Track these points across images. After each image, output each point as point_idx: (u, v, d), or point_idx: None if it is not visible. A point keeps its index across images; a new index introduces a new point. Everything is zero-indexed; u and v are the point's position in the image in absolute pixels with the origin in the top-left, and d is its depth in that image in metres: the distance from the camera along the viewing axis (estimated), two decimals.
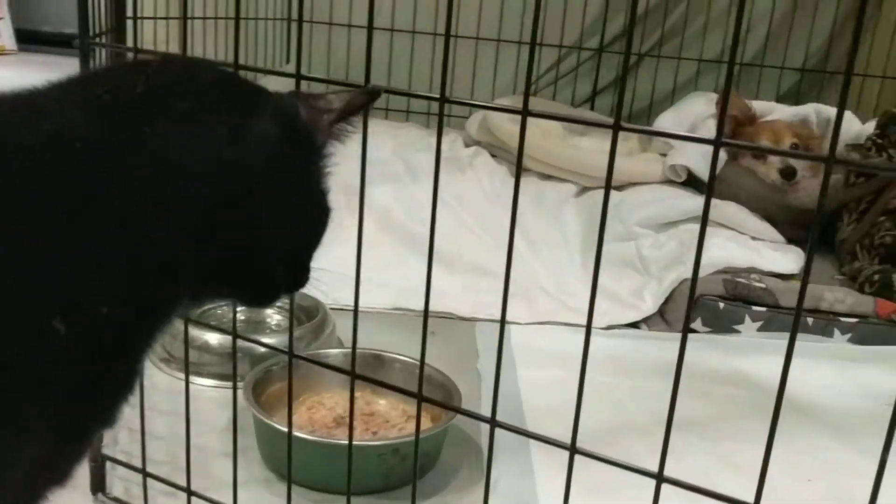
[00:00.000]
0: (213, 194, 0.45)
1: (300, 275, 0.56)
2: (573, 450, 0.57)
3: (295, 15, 2.30)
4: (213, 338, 1.09)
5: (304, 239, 0.54)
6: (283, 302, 1.29)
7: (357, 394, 1.04)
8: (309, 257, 0.56)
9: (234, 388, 0.73)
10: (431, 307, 1.44)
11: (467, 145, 1.93)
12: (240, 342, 1.11)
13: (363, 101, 0.54)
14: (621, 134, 1.94)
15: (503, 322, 0.59)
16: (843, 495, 0.94)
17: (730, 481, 0.96)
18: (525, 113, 0.52)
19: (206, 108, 0.47)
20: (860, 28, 0.43)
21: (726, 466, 0.98)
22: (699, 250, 0.50)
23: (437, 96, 0.55)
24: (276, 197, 0.49)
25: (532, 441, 1.02)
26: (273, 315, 1.25)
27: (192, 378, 1.09)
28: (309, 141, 0.51)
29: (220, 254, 0.47)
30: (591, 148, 1.82)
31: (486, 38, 2.29)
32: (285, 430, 0.81)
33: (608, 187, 0.54)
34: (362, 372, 1.06)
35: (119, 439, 0.90)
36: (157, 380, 1.08)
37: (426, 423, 0.98)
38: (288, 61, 2.31)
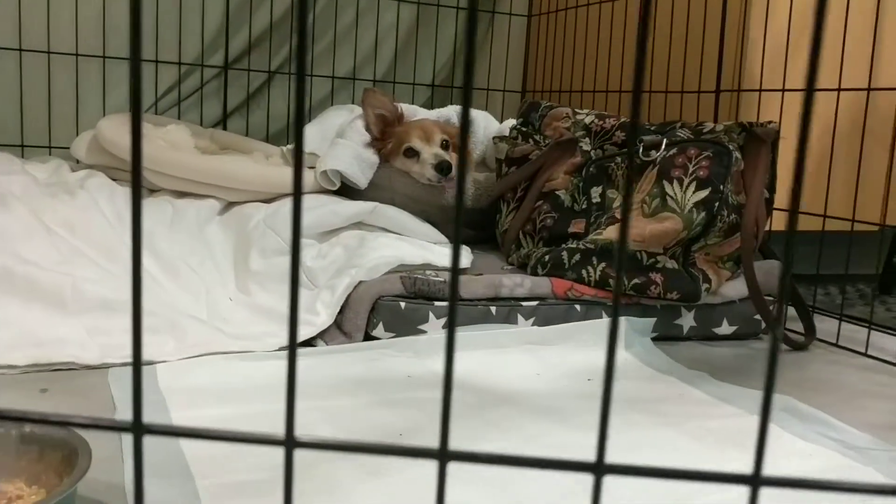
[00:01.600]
0: None
1: None
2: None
3: None
4: None
5: None
6: None
7: None
8: None
9: None
10: (42, 359, 1.08)
11: (75, 171, 1.58)
12: None
13: None
14: (264, 150, 1.70)
15: (137, 365, 0.35)
16: (581, 478, 0.81)
17: (463, 491, 0.80)
18: None
19: None
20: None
21: (453, 478, 0.80)
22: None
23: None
24: None
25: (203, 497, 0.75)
26: None
27: None
28: None
29: None
30: (232, 159, 1.59)
31: (87, 55, 1.94)
32: None
33: (297, 199, 0.33)
34: None
35: None
36: None
37: (40, 497, 0.66)
38: None
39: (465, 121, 0.33)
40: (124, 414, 0.92)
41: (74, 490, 0.63)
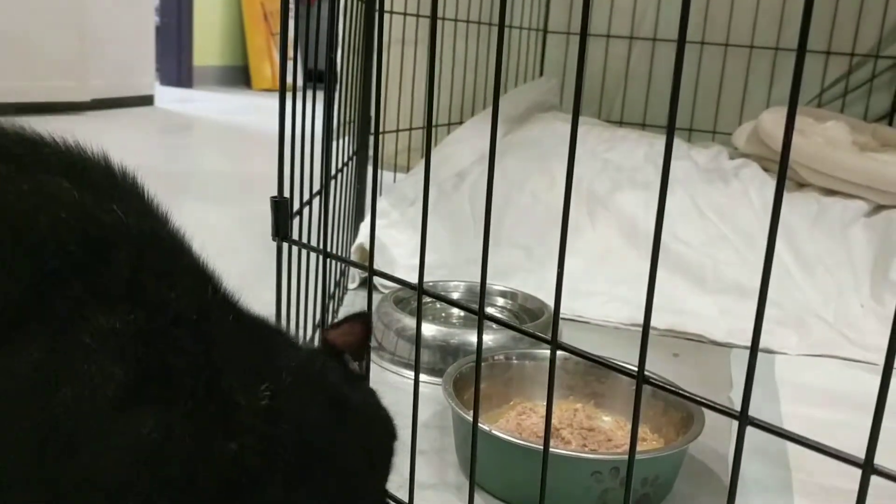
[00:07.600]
0: None
1: None
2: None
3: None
4: (428, 329, 1.00)
5: None
6: (507, 301, 1.18)
7: (577, 405, 0.89)
8: None
9: (416, 377, 0.62)
10: (678, 327, 1.24)
11: (732, 159, 1.71)
12: (456, 338, 1.02)
13: None
14: None
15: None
16: None
17: None
18: None
19: None
20: None
21: None
22: None
23: None
24: None
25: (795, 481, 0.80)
26: (494, 315, 1.14)
27: (402, 371, 1.01)
28: None
29: None
30: (891, 160, 1.52)
31: (760, 47, 2.05)
32: (486, 430, 0.69)
33: None
34: (584, 382, 0.91)
35: None
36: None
37: (659, 445, 0.80)
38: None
39: None
40: (737, 394, 1.02)
41: (686, 448, 0.75)
